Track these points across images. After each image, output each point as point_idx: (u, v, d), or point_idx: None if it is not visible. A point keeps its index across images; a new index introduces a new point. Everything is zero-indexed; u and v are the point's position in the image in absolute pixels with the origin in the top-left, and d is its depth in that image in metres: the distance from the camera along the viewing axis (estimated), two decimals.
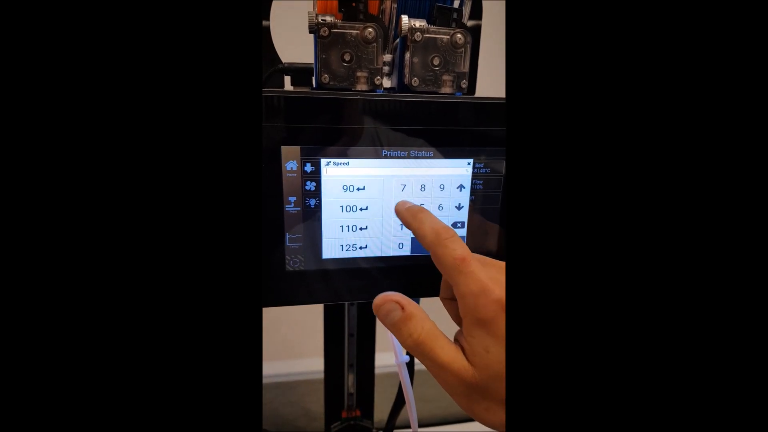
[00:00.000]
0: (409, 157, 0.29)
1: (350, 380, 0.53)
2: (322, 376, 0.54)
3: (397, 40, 0.31)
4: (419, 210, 0.28)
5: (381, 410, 0.56)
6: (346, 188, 0.29)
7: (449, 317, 0.29)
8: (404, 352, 0.40)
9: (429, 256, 0.31)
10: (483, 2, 0.35)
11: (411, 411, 0.41)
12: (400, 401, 0.51)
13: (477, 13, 0.35)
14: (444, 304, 0.29)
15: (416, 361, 0.44)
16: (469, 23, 0.35)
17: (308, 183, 0.28)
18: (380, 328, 0.46)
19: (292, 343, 0.76)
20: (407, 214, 0.28)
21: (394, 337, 0.38)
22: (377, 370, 0.55)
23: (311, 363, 0.74)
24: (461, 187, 0.30)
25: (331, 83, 0.28)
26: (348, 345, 0.51)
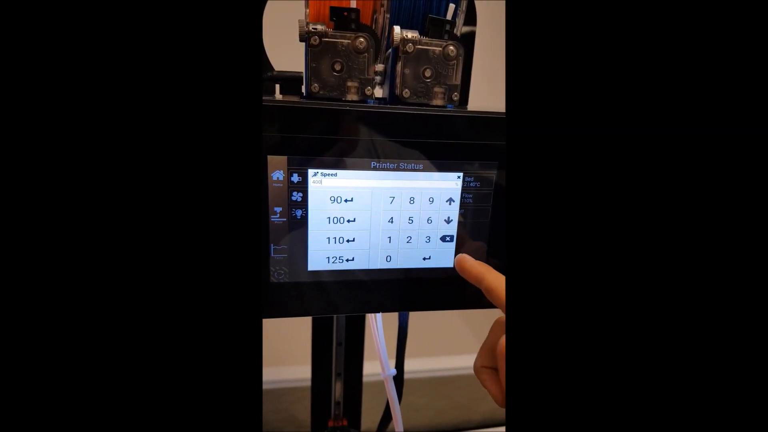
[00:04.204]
0: (398, 169, 0.28)
1: (338, 389, 0.53)
2: (309, 384, 0.53)
3: (390, 50, 0.31)
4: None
5: (368, 419, 0.55)
6: (333, 200, 0.28)
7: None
8: (391, 365, 0.39)
9: (417, 269, 0.31)
10: (477, 10, 0.35)
11: (397, 424, 0.40)
12: (388, 414, 0.51)
13: (471, 19, 0.35)
14: (479, 375, 0.28)
15: (404, 371, 0.43)
16: (463, 29, 0.35)
17: (295, 194, 0.28)
18: (368, 337, 0.45)
19: (280, 350, 0.75)
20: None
21: (381, 349, 0.37)
22: (365, 379, 0.54)
23: (298, 371, 0.74)
24: (451, 200, 0.30)
25: (321, 92, 0.28)
26: (336, 354, 0.51)
